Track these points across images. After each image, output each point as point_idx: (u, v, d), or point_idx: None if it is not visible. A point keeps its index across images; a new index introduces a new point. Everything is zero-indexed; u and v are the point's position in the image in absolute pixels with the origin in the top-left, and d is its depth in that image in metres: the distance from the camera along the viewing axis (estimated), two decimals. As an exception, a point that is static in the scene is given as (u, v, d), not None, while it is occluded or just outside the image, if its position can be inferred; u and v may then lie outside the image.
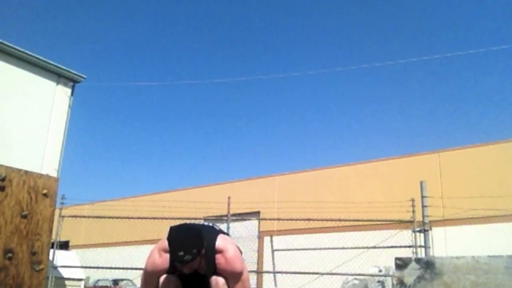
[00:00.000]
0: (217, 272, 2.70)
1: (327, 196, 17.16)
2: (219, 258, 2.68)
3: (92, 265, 15.52)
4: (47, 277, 8.89)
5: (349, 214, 13.67)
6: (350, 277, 12.69)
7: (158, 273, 2.76)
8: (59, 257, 11.91)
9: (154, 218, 13.24)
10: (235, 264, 2.70)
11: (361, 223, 13.39)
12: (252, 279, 17.26)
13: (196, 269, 2.65)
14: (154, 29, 55.06)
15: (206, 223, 3.06)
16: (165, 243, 2.68)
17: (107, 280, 19.60)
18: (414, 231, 10.53)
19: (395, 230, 13.35)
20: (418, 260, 5.27)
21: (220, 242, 2.72)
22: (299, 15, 48.66)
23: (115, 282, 19.74)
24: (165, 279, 2.75)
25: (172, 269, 2.74)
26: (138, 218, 13.81)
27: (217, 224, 3.16)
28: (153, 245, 2.85)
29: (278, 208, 18.15)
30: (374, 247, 14.37)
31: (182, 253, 2.50)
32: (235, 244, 2.86)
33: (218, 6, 51.75)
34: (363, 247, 14.68)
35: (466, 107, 39.23)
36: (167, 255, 2.68)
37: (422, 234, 10.13)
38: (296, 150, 44.77)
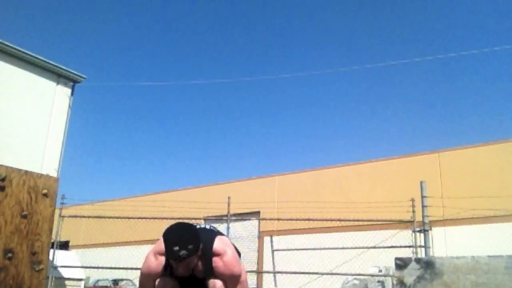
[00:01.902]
0: (215, 275, 2.65)
1: (327, 196, 17.16)
2: (216, 261, 2.63)
3: (92, 265, 15.52)
4: (47, 277, 8.89)
5: (349, 214, 13.66)
6: (350, 277, 12.69)
7: (153, 276, 2.70)
8: (59, 257, 11.91)
9: (154, 218, 13.24)
10: (233, 267, 2.65)
11: (361, 223, 13.38)
12: (252, 279, 17.25)
13: (192, 270, 2.60)
14: (154, 29, 55.09)
15: (205, 224, 3.04)
16: (161, 246, 2.62)
17: (107, 280, 19.59)
18: (414, 231, 10.53)
19: (395, 230, 13.34)
20: (418, 260, 5.27)
21: (218, 244, 2.68)
22: (304, 15, 48.69)
23: (115, 282, 19.74)
24: (161, 280, 2.69)
25: (167, 272, 2.68)
26: (138, 218, 13.80)
27: (215, 226, 3.15)
28: (153, 245, 2.84)
29: (278, 208, 18.14)
30: (374, 247, 14.36)
31: (177, 248, 2.44)
32: (233, 246, 2.83)
33: (220, 5, 51.79)
34: (363, 247, 14.68)
35: (466, 107, 39.26)
36: (163, 258, 2.63)
37: (422, 234, 10.13)
38: (296, 150, 44.79)
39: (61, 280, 12.76)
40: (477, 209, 13.42)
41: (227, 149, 50.76)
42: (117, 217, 13.46)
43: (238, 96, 52.20)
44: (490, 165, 15.41)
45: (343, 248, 14.71)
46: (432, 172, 16.05)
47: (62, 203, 11.35)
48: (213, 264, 2.63)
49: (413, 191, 10.67)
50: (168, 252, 2.50)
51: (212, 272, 2.65)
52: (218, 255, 2.65)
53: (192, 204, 16.45)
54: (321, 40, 48.21)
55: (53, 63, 12.72)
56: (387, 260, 11.71)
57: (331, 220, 13.34)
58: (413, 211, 10.67)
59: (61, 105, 12.88)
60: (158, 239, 2.87)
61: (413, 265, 5.12)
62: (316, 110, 46.25)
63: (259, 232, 19.16)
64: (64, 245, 18.27)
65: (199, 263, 2.62)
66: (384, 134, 40.93)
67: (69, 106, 13.06)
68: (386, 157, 18.36)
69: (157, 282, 2.71)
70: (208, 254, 2.63)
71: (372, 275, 12.26)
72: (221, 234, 2.90)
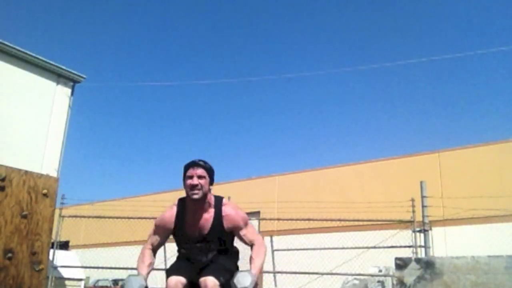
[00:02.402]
0: (223, 226, 2.91)
1: (327, 196, 17.15)
2: (225, 209, 2.97)
3: (92, 265, 15.51)
4: (47, 277, 8.89)
5: (349, 214, 13.65)
6: (350, 277, 12.69)
7: (165, 225, 3.04)
8: (59, 257, 11.90)
9: (154, 218, 13.21)
10: (241, 211, 3.04)
11: (361, 223, 13.37)
12: (252, 279, 17.21)
13: (200, 195, 2.85)
14: (155, 29, 55.10)
15: None
16: (175, 201, 3.07)
17: (107, 280, 19.60)
18: (414, 231, 10.52)
19: (395, 230, 13.33)
20: (418, 260, 5.26)
21: (226, 201, 3.07)
22: (309, 14, 48.70)
23: (115, 282, 19.75)
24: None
25: (177, 224, 2.96)
26: (138, 218, 13.78)
27: None
28: None
29: (278, 208, 18.15)
30: (374, 247, 14.36)
31: (197, 159, 2.93)
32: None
33: (222, 4, 51.82)
34: (363, 247, 14.67)
35: (466, 107, 39.24)
36: (176, 208, 3.01)
37: (422, 234, 10.12)
38: (296, 150, 44.78)
39: (61, 280, 12.76)
40: (477, 209, 13.42)
41: (227, 149, 50.78)
42: (117, 217, 13.44)
43: (238, 96, 52.23)
44: (490, 165, 15.41)
45: (343, 248, 14.70)
46: (432, 172, 16.05)
47: (62, 203, 11.32)
48: (223, 213, 2.95)
49: (413, 191, 10.66)
50: (188, 162, 2.94)
51: (221, 223, 2.92)
52: (225, 205, 3.02)
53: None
54: (326, 39, 48.24)
55: (53, 63, 12.72)
56: (387, 260, 11.70)
57: (331, 220, 13.33)
58: (413, 211, 10.66)
59: (61, 105, 12.88)
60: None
61: (413, 265, 5.12)
62: (317, 110, 46.27)
63: (259, 232, 19.15)
64: (64, 245, 18.27)
65: (210, 207, 2.93)
66: (384, 134, 40.96)
67: (69, 106, 13.06)
68: (386, 157, 18.36)
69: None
70: (219, 206, 2.97)
71: (372, 275, 12.26)
72: None
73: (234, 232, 2.98)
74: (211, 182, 2.97)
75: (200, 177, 2.87)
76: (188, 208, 2.93)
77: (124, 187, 54.14)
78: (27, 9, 51.02)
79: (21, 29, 49.35)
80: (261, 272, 17.42)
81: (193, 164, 2.91)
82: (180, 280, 2.81)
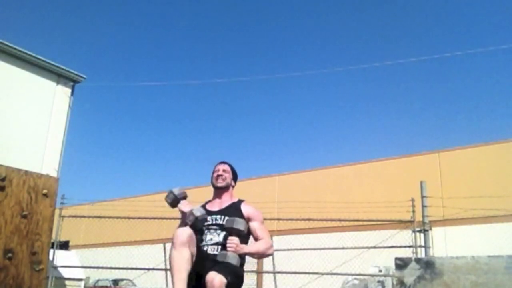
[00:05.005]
0: (242, 212, 3.28)
1: (327, 196, 17.15)
2: (244, 204, 3.40)
3: (92, 265, 15.50)
4: (47, 277, 8.89)
5: (349, 214, 13.65)
6: (350, 277, 12.70)
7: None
8: (59, 257, 11.90)
9: (154, 218, 13.21)
10: (257, 209, 3.41)
11: (361, 223, 13.36)
12: (252, 279, 17.24)
13: (224, 184, 3.41)
14: (154, 29, 55.09)
15: None
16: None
17: (107, 280, 19.59)
18: (414, 231, 10.51)
19: (395, 230, 13.33)
20: (418, 260, 5.26)
21: (245, 201, 3.45)
22: (299, 14, 48.69)
23: (115, 282, 19.74)
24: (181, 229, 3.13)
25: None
26: (138, 218, 13.76)
27: None
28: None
29: (278, 208, 18.14)
30: (374, 247, 14.36)
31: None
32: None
33: (219, 5, 51.81)
34: (363, 247, 14.67)
35: (466, 107, 39.24)
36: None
37: (422, 234, 10.11)
38: (296, 150, 44.77)
39: (61, 280, 12.77)
40: (477, 209, 13.42)
41: (227, 149, 50.76)
42: (117, 217, 13.42)
43: (238, 96, 52.22)
44: (490, 165, 15.41)
45: (343, 248, 14.70)
46: (432, 172, 16.05)
47: (62, 203, 11.30)
48: (242, 205, 3.37)
49: (413, 191, 10.66)
50: (216, 166, 3.51)
51: (240, 208, 3.32)
52: (245, 203, 3.44)
53: (192, 204, 16.40)
54: (316, 39, 48.24)
55: (53, 63, 12.72)
56: (387, 260, 11.71)
57: (331, 220, 13.31)
58: (413, 211, 10.65)
59: (61, 105, 12.88)
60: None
61: (413, 265, 5.12)
62: (316, 110, 46.27)
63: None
64: (64, 245, 18.26)
65: (231, 199, 3.41)
66: (384, 134, 40.94)
67: (69, 106, 13.06)
68: (386, 157, 18.36)
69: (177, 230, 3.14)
70: (239, 201, 3.43)
71: (372, 275, 12.26)
72: None
73: (248, 222, 3.27)
74: (234, 179, 3.53)
75: (224, 171, 3.47)
76: (212, 198, 3.46)
77: (124, 187, 54.18)
78: (27, 9, 51.03)
79: (21, 29, 49.37)
80: (261, 272, 17.32)
81: (220, 162, 3.54)
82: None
